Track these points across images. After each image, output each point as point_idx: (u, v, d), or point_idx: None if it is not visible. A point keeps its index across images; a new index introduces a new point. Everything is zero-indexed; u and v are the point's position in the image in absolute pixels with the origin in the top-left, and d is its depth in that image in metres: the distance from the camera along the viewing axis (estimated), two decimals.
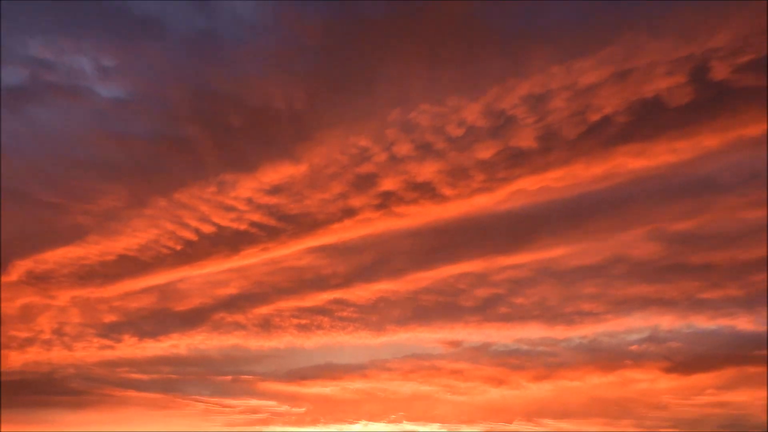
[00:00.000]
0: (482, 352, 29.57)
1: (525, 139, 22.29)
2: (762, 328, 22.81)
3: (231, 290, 29.05)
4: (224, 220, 27.45)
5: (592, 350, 26.90)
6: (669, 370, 25.62)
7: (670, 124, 20.62)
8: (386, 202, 25.46)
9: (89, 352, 29.68)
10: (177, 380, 29.17)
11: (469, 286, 28.09)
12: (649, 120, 20.61)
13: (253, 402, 28.67)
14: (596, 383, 27.54)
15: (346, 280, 28.39)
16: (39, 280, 27.21)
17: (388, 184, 25.10)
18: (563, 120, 21.80)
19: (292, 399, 29.08)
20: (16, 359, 27.22)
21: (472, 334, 28.71)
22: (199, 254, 27.91)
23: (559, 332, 26.59)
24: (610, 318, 25.33)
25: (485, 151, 23.89)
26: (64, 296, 29.05)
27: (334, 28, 23.90)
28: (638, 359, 26.25)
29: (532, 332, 27.07)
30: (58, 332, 28.57)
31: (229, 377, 28.85)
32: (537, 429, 26.12)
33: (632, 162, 22.17)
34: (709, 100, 19.61)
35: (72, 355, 29.55)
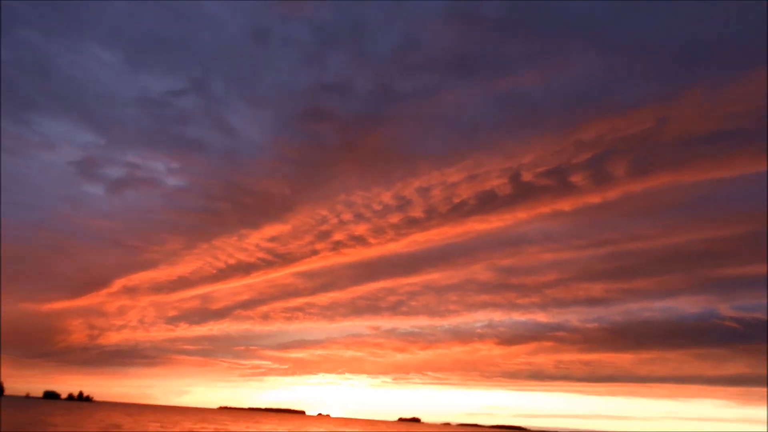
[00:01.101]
0: (392, 333, 34.29)
1: (417, 212, 27.53)
2: (552, 320, 28.84)
3: (244, 297, 33.43)
4: (241, 256, 32.39)
5: (455, 332, 32.05)
6: (499, 344, 30.95)
7: (499, 205, 26.34)
8: (336, 246, 30.62)
9: (159, 333, 33.84)
10: (211, 349, 33.21)
11: (384, 294, 32.87)
12: (487, 203, 26.27)
13: (257, 362, 32.82)
14: (457, 351, 32.68)
15: (313, 291, 33.17)
16: (129, 291, 31.70)
17: (337, 236, 30.34)
18: (439, 201, 27.40)
19: (280, 360, 33.27)
20: (114, 338, 30.98)
21: (386, 322, 33.50)
22: (226, 276, 32.57)
23: (436, 322, 31.49)
24: (465, 313, 30.59)
25: (394, 219, 29.26)
26: (144, 300, 33.64)
27: (307, 148, 29.59)
28: (481, 337, 31.51)
29: (421, 322, 31.97)
30: (141, 321, 32.79)
31: (243, 347, 33.12)
32: (423, 378, 30.77)
33: (478, 225, 27.64)
34: (521, 192, 25.55)
35: (149, 335, 33.80)
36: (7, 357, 37.62)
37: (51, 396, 46.61)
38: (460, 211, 27.41)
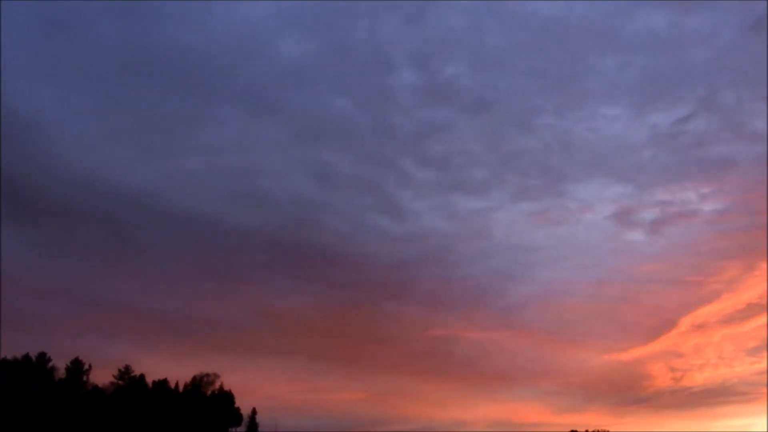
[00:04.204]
0: None
1: None
2: None
3: None
4: None
5: None
6: None
7: None
8: None
9: (744, 367, 30.73)
10: None
11: None
12: None
13: None
14: None
15: None
16: (699, 327, 35.68)
17: None
18: None
19: None
20: (697, 378, 34.95)
21: None
22: None
23: None
24: None
25: None
26: (716, 334, 31.38)
27: None
28: None
29: None
30: (720, 357, 35.53)
31: None
32: None
33: None
34: None
35: (733, 371, 31.16)
36: (604, 406, 38.64)
37: None
38: None
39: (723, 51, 31.79)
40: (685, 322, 30.68)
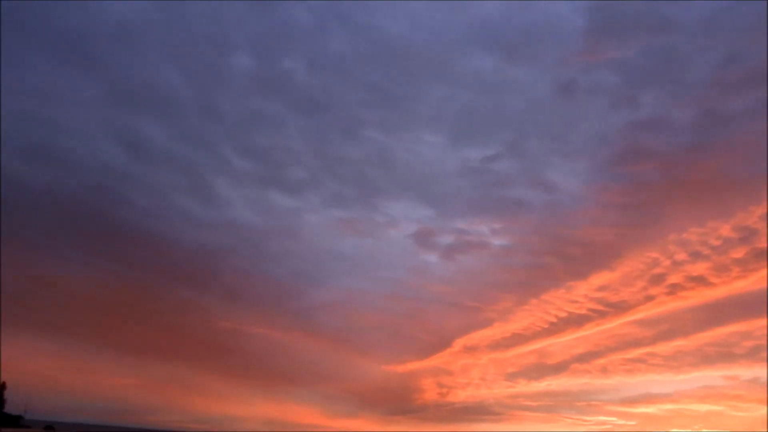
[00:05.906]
0: (755, 383, 27.33)
1: (766, 243, 21.94)
2: None
3: (580, 350, 30.30)
4: (571, 309, 29.12)
5: None
6: None
7: None
8: (674, 290, 26.05)
9: (501, 390, 31.89)
10: (553, 405, 30.75)
11: (738, 339, 27.17)
12: None
13: (602, 418, 29.04)
14: None
15: (653, 340, 28.92)
16: (470, 350, 30.70)
17: (673, 278, 25.78)
18: None
19: (626, 416, 29.16)
20: (461, 395, 30.51)
21: (745, 371, 27.15)
22: (558, 330, 29.76)
23: None
24: None
25: (738, 253, 23.78)
26: (484, 358, 32.05)
27: (629, 191, 25.62)
28: None
29: None
30: (483, 379, 31.53)
31: (584, 403, 30.04)
32: None
33: None
34: None
35: (491, 392, 32.21)
36: (374, 414, 40.04)
37: None
38: None
39: (535, 104, 34.76)
40: (459, 343, 33.56)
